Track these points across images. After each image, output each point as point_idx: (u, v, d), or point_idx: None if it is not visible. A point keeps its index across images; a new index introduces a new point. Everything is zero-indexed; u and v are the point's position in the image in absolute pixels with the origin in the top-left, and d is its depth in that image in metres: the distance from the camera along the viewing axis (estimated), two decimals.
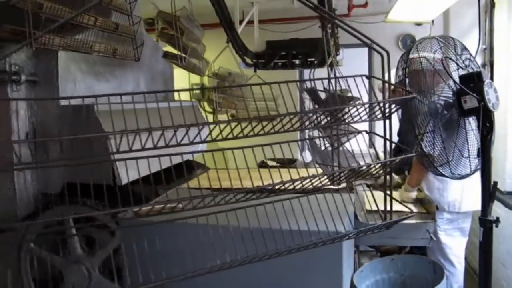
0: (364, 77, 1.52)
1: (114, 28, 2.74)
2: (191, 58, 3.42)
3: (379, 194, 1.79)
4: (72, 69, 2.58)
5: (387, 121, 1.56)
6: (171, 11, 3.03)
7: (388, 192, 1.69)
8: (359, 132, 1.81)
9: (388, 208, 1.68)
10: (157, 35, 3.24)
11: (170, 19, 3.05)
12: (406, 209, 2.09)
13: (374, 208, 1.68)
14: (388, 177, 1.80)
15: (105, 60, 2.85)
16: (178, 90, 1.56)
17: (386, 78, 1.60)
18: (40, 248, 2.48)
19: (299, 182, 1.34)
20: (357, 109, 1.38)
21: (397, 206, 1.94)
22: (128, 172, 2.49)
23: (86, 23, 2.47)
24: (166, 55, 3.25)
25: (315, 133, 2.20)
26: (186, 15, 3.19)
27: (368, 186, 2.85)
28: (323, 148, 2.25)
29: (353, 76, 1.53)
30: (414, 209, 2.56)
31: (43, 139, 2.45)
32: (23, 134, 2.43)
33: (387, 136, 1.60)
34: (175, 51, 3.25)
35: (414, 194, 2.79)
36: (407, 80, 2.00)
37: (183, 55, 3.13)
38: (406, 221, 2.33)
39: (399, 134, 4.12)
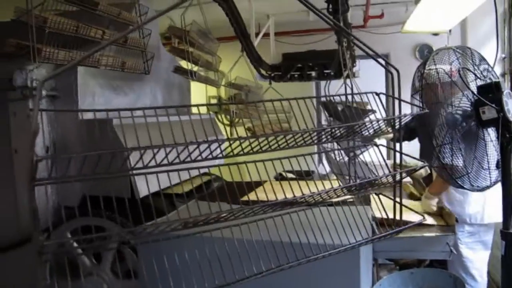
0: (374, 94, 1.60)
1: (123, 41, 2.73)
2: (206, 71, 3.45)
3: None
4: (90, 83, 2.63)
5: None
6: (181, 25, 3.06)
7: (398, 199, 1.69)
8: (369, 144, 1.81)
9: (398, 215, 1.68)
10: (168, 50, 3.25)
11: (180, 33, 3.07)
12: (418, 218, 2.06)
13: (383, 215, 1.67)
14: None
15: (123, 75, 2.90)
16: (203, 105, 1.57)
17: (396, 95, 1.63)
18: (59, 261, 2.51)
19: (324, 193, 1.36)
20: (371, 124, 1.39)
21: (410, 217, 1.92)
22: (145, 185, 2.53)
23: (93, 36, 2.47)
24: (178, 69, 3.26)
25: (331, 144, 2.20)
26: (198, 29, 3.20)
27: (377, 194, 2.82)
28: (338, 159, 2.25)
29: (364, 93, 1.62)
30: (434, 222, 2.52)
31: (67, 156, 2.48)
32: (43, 148, 2.48)
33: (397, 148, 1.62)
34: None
35: (435, 202, 2.75)
36: (423, 91, 1.98)
37: (194, 69, 3.17)
38: (425, 234, 2.30)
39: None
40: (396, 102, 1.59)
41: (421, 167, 1.61)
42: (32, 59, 2.11)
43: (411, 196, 3.02)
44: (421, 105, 2.01)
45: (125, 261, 2.51)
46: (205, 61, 3.36)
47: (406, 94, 2.08)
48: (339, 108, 2.17)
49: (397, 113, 1.56)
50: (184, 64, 3.39)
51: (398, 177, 1.61)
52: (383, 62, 1.64)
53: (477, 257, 2.84)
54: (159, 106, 1.33)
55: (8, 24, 2.22)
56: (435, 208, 2.68)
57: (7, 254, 2.53)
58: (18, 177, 2.47)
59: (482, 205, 2.80)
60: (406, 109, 1.71)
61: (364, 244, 1.58)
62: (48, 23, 2.18)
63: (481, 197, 2.74)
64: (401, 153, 1.60)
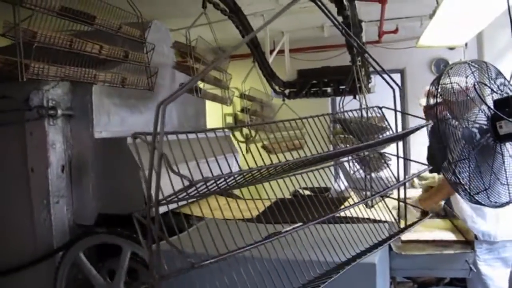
0: (377, 108, 1.74)
1: (123, 56, 2.64)
2: (216, 88, 3.42)
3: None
4: (106, 102, 2.66)
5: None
6: (186, 41, 2.97)
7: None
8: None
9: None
10: (173, 66, 3.14)
11: (186, 49, 2.98)
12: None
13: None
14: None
15: (139, 93, 2.93)
16: (224, 128, 1.57)
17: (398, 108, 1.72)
18: (76, 277, 2.52)
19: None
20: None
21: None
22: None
23: (90, 51, 2.36)
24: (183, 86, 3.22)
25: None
26: (206, 45, 3.16)
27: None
28: (352, 172, 2.24)
29: (368, 108, 1.76)
30: (453, 237, 2.46)
31: None
32: (59, 167, 2.51)
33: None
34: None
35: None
36: (437, 106, 1.96)
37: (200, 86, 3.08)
38: (444, 251, 2.25)
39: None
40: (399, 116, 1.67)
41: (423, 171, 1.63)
42: (20, 75, 1.98)
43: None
44: (435, 119, 1.99)
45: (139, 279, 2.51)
46: (213, 78, 3.30)
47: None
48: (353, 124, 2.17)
49: (399, 126, 1.67)
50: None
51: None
52: (388, 78, 1.68)
53: (497, 274, 2.76)
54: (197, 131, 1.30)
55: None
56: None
57: (24, 272, 2.56)
58: (34, 196, 2.50)
59: (495, 222, 2.73)
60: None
61: (380, 247, 1.54)
62: (38, 37, 2.05)
63: (494, 213, 2.67)
64: (404, 158, 1.60)
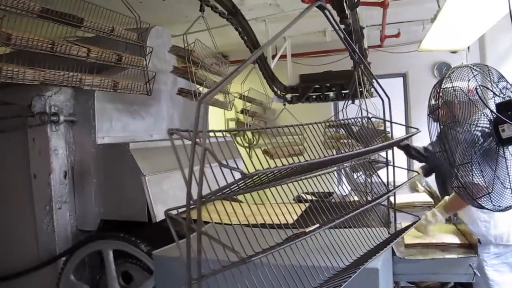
0: (366, 118, 1.87)
1: (116, 60, 2.54)
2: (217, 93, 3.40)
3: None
4: (108, 108, 2.67)
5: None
6: (183, 45, 2.91)
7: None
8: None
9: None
10: (171, 71, 3.08)
11: (183, 53, 2.91)
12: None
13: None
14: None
15: (141, 99, 2.94)
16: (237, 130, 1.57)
17: (388, 118, 1.79)
18: (79, 281, 2.52)
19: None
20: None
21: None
22: (163, 209, 2.53)
23: (76, 54, 2.25)
24: (181, 91, 3.11)
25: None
26: (206, 50, 3.11)
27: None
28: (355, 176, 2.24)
29: (356, 118, 1.87)
30: (457, 240, 2.44)
31: None
32: (61, 173, 2.51)
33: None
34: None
35: (443, 219, 2.70)
36: (439, 110, 1.95)
37: (198, 89, 3.01)
38: (447, 256, 2.23)
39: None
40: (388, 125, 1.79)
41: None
42: None
43: None
44: (439, 124, 1.99)
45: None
46: (212, 82, 3.23)
47: (425, 112, 2.08)
48: (355, 129, 2.18)
49: (389, 134, 1.80)
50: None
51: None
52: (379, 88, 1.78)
53: (504, 280, 2.73)
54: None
55: None
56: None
57: (28, 276, 2.56)
58: (37, 202, 2.51)
59: (508, 225, 2.71)
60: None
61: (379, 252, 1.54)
62: (13, 40, 1.94)
63: (507, 217, 2.65)
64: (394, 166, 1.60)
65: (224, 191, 0.98)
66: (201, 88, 3.20)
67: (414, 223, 1.86)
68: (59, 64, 2.21)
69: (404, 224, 2.64)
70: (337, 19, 2.44)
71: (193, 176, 0.89)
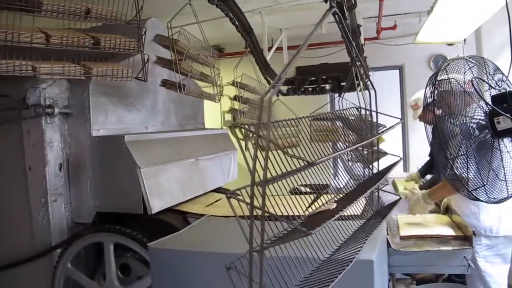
0: (355, 108, 1.97)
1: (92, 44, 2.31)
2: (200, 84, 3.23)
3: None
4: (103, 100, 2.66)
5: None
6: (168, 34, 2.71)
7: None
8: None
9: None
10: (154, 61, 2.84)
11: (167, 42, 2.69)
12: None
13: None
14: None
15: (137, 91, 2.92)
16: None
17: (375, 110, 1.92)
18: (76, 270, 2.52)
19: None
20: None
21: None
22: (159, 201, 2.53)
23: (30, 42, 2.04)
24: (164, 82, 2.88)
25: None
26: (192, 40, 2.90)
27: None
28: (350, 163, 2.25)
29: (348, 108, 1.95)
30: (452, 232, 2.45)
31: None
32: (56, 165, 2.50)
33: None
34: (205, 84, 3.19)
35: (430, 207, 2.74)
36: (435, 102, 1.95)
37: (182, 81, 2.78)
38: (442, 248, 2.24)
39: (430, 155, 4.02)
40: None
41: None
42: None
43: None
44: (434, 116, 1.99)
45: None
46: (199, 73, 3.04)
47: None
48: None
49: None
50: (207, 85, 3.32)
51: None
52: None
53: (497, 271, 2.75)
54: None
55: None
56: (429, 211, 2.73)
57: (23, 267, 2.57)
58: (32, 194, 2.50)
59: (499, 217, 2.72)
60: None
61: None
62: None
63: (497, 209, 2.67)
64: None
65: (286, 176, 1.08)
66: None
67: (396, 201, 1.91)
68: (57, 55, 2.19)
69: (400, 216, 2.69)
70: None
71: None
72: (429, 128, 2.19)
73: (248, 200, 0.93)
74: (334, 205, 1.33)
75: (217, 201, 2.98)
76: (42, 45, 2.09)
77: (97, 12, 2.26)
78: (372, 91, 1.91)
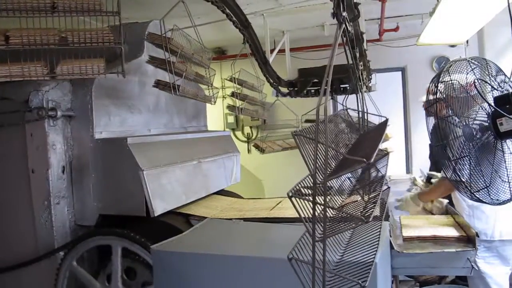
0: (344, 109, 2.10)
1: (57, 40, 2.16)
2: (195, 85, 3.14)
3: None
4: (106, 103, 2.66)
5: None
6: (160, 32, 2.56)
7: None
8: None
9: None
10: (147, 61, 2.74)
11: (159, 41, 2.57)
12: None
13: None
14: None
15: (139, 94, 2.93)
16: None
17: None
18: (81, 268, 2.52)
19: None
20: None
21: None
22: (161, 203, 2.54)
23: None
24: (158, 83, 2.71)
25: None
26: (191, 41, 2.80)
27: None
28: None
29: (339, 111, 2.05)
30: (456, 233, 2.44)
31: None
32: (59, 167, 2.51)
33: None
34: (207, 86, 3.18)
35: (419, 208, 2.75)
36: (437, 103, 1.95)
37: (176, 82, 2.65)
38: (445, 249, 2.24)
39: (430, 157, 4.02)
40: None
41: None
42: None
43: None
44: (436, 118, 1.99)
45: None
46: (194, 73, 2.91)
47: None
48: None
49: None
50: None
51: None
52: None
53: (497, 272, 2.74)
54: None
55: None
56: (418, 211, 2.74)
57: (25, 269, 2.57)
58: (35, 197, 2.51)
59: (493, 221, 2.71)
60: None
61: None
62: None
63: (492, 212, 2.66)
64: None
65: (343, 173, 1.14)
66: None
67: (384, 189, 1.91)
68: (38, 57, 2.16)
69: (402, 217, 2.68)
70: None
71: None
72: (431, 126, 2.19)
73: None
74: (358, 197, 1.39)
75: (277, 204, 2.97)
76: (2, 46, 2.02)
77: (65, 5, 2.12)
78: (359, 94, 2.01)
